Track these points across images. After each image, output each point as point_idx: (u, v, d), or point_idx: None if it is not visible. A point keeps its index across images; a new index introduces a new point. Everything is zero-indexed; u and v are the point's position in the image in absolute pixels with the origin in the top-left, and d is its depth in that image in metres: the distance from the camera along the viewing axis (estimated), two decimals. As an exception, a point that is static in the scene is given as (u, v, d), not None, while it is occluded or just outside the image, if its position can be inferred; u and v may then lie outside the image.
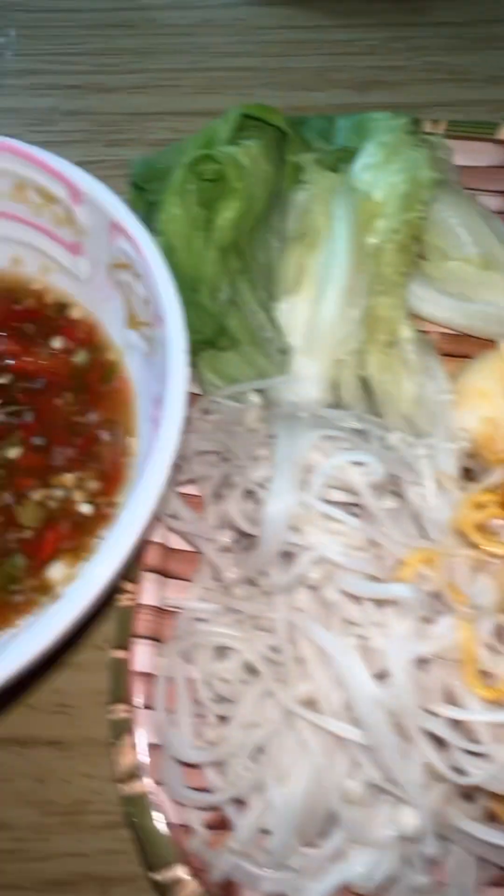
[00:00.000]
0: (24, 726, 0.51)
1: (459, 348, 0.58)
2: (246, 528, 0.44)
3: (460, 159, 0.63)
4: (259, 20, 0.85)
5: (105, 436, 0.51)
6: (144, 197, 0.54)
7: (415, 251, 0.55)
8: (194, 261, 0.49)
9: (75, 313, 0.56)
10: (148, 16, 0.85)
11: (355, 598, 0.42)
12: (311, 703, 0.43)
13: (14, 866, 0.48)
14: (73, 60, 0.82)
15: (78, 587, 0.38)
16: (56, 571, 0.47)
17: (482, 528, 0.44)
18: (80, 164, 0.52)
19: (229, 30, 0.84)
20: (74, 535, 0.48)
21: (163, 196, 0.49)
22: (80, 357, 0.54)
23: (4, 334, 0.54)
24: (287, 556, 0.44)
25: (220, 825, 0.43)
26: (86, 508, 0.49)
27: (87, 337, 0.55)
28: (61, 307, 0.56)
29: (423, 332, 0.57)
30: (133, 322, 0.51)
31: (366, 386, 0.53)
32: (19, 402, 0.52)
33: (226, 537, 0.46)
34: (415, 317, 0.58)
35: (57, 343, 0.54)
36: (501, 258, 0.58)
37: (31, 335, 0.55)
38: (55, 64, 0.82)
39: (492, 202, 0.63)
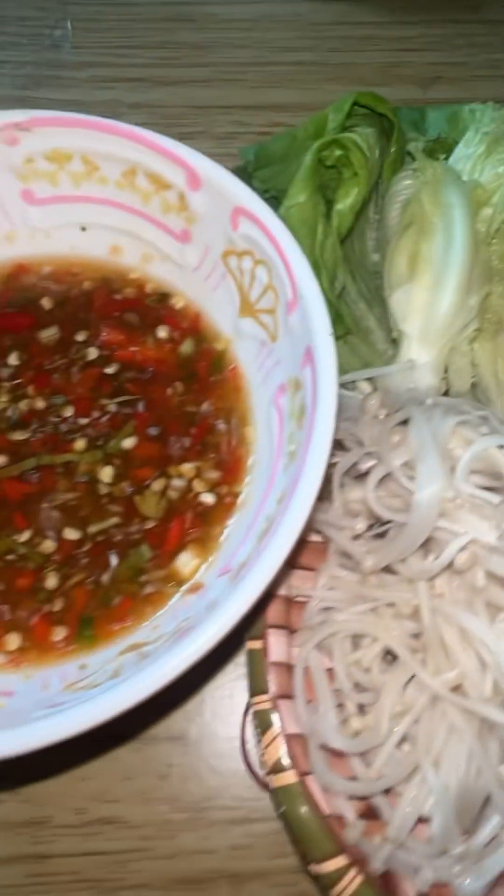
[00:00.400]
0: (143, 723, 0.50)
1: None
2: (385, 514, 0.44)
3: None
4: (317, 16, 0.85)
5: (220, 425, 0.51)
6: (251, 184, 0.53)
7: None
8: (314, 247, 0.48)
9: (177, 303, 0.55)
10: (207, 10, 0.85)
11: (502, 583, 0.42)
12: (456, 689, 0.42)
13: (141, 865, 0.47)
14: (133, 53, 0.81)
15: (234, 596, 0.36)
16: (184, 561, 0.46)
17: None
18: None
19: (289, 25, 0.84)
20: (199, 524, 0.47)
21: (288, 183, 0.48)
22: (186, 347, 0.53)
23: (107, 325, 0.54)
24: (427, 541, 0.44)
25: (369, 815, 0.42)
26: (208, 498, 0.48)
27: (191, 326, 0.54)
28: (162, 297, 0.55)
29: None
30: (247, 310, 0.50)
31: (477, 374, 0.53)
32: (129, 392, 0.51)
33: (360, 524, 0.46)
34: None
35: (162, 333, 0.53)
36: None
37: (134, 325, 0.54)
38: (114, 57, 0.81)
39: None
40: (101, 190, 0.53)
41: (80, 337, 0.53)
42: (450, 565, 0.42)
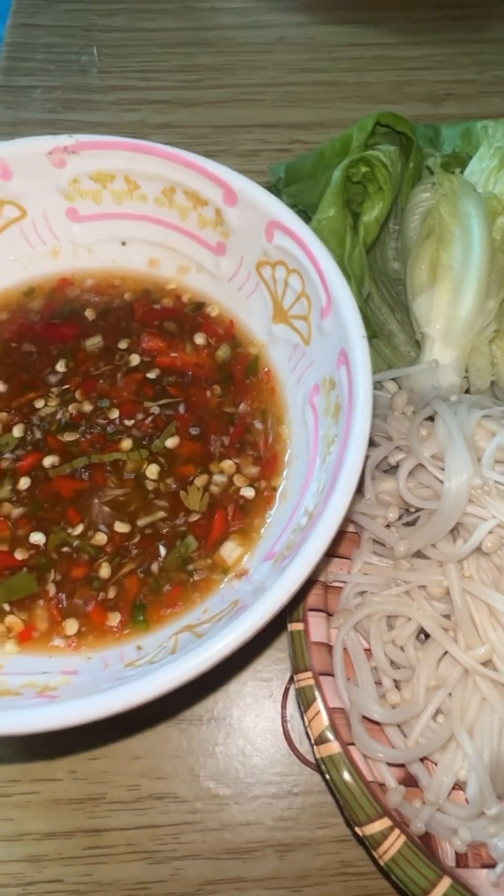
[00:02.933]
0: (189, 706, 0.53)
1: None
2: (417, 503, 0.47)
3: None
4: (329, 38, 0.89)
5: (257, 424, 0.54)
6: (282, 200, 0.57)
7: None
8: (343, 258, 0.52)
9: (213, 311, 0.58)
10: (224, 35, 0.89)
11: (528, 563, 0.45)
12: (487, 664, 0.46)
13: (191, 836, 0.50)
14: (157, 77, 0.86)
15: (281, 579, 0.40)
16: (228, 551, 0.49)
17: None
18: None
19: (303, 47, 0.88)
20: (240, 517, 0.51)
21: (316, 198, 0.52)
22: (222, 352, 0.57)
23: (148, 333, 0.57)
24: (456, 527, 0.47)
25: (408, 782, 0.45)
26: (248, 492, 0.51)
27: (227, 332, 0.57)
28: (198, 305, 0.59)
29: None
30: (281, 316, 0.54)
31: (496, 372, 0.56)
32: (171, 396, 0.55)
33: (391, 514, 0.49)
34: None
35: (199, 339, 0.57)
36: None
37: (174, 332, 0.58)
38: (139, 80, 0.86)
39: None
40: (140, 207, 0.56)
41: (123, 345, 0.57)
42: (478, 548, 0.46)
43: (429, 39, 0.89)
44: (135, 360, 0.56)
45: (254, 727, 0.53)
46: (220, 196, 0.53)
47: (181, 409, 0.54)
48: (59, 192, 0.56)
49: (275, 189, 0.58)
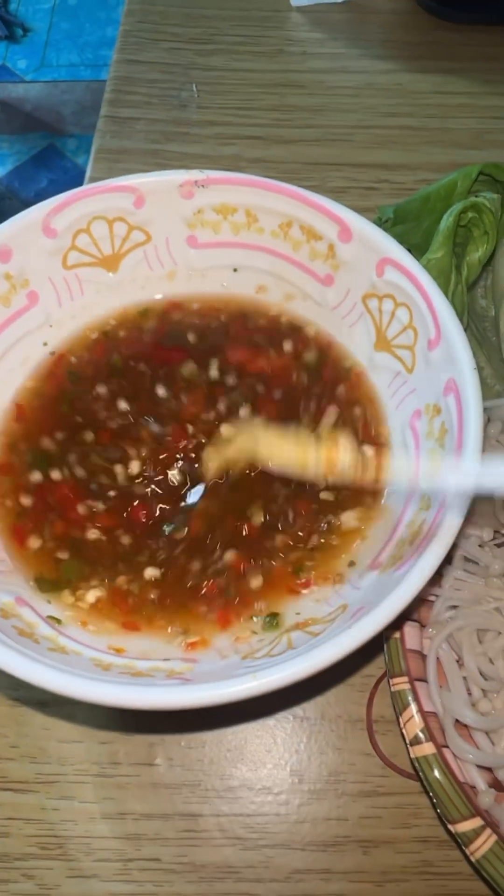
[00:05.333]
0: (277, 705, 0.56)
1: None
2: (512, 524, 0.51)
3: None
4: (416, 85, 0.94)
5: (356, 410, 0.58)
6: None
7: None
8: (448, 295, 0.56)
9: (309, 331, 0.62)
10: (315, 78, 0.95)
11: None
12: None
13: (281, 827, 0.53)
14: (251, 114, 0.91)
15: (399, 587, 0.43)
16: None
17: None
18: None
19: (390, 93, 0.94)
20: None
21: (420, 238, 0.56)
22: (311, 355, 0.60)
23: (234, 346, 0.61)
24: (549, 550, 0.50)
25: (498, 787, 0.48)
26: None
27: (317, 343, 0.61)
28: (296, 327, 0.63)
29: None
30: (383, 345, 0.58)
31: None
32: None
33: (485, 534, 0.52)
34: None
35: (287, 345, 0.61)
36: None
37: (262, 343, 0.61)
38: (234, 117, 0.91)
39: None
40: (256, 238, 0.61)
41: (214, 365, 0.61)
42: None
43: (510, 90, 0.93)
44: (214, 372, 0.60)
45: (340, 729, 0.56)
46: (336, 232, 0.57)
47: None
48: (184, 220, 0.61)
49: (380, 227, 0.62)
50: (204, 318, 0.64)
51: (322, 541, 0.54)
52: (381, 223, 0.63)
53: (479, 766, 0.48)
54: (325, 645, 0.41)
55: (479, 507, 0.53)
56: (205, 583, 0.52)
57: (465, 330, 0.61)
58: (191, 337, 0.62)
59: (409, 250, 0.58)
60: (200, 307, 0.64)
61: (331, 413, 0.57)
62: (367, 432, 0.57)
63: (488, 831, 0.45)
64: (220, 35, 0.99)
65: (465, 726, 0.49)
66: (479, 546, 0.53)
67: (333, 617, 0.47)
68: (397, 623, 0.51)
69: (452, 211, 0.56)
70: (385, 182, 0.85)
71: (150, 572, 0.52)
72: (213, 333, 0.63)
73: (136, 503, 0.54)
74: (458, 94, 0.93)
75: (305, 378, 0.59)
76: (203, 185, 0.58)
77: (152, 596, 0.52)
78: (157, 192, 0.58)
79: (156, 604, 0.51)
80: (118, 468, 0.56)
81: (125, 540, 0.53)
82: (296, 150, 0.88)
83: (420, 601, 0.53)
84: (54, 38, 2.61)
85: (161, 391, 0.59)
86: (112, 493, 0.55)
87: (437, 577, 0.55)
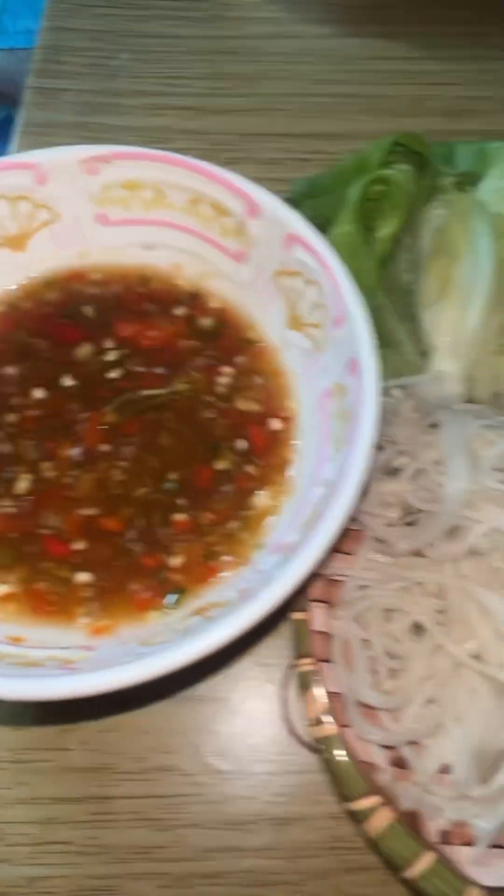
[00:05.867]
0: (190, 686, 0.56)
1: None
2: (418, 504, 0.50)
3: None
4: (353, 51, 0.92)
5: (258, 379, 0.57)
6: (301, 212, 0.60)
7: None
8: (357, 271, 0.55)
9: (214, 304, 0.61)
10: (251, 44, 0.92)
11: (519, 565, 0.48)
12: (477, 657, 0.49)
13: (193, 808, 0.53)
14: (184, 84, 0.89)
15: (288, 570, 0.43)
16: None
17: None
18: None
19: (326, 59, 0.91)
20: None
21: (333, 212, 0.55)
22: (208, 322, 0.59)
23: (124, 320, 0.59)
24: (453, 528, 0.50)
25: (399, 765, 0.49)
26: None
27: (220, 316, 0.60)
28: (200, 301, 0.61)
29: None
30: (296, 323, 0.57)
31: (498, 384, 0.59)
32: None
33: (393, 513, 0.52)
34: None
35: (179, 311, 0.59)
36: None
37: (151, 312, 0.59)
38: (166, 87, 0.88)
39: None
40: (168, 215, 0.60)
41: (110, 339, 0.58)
42: (473, 549, 0.49)
43: (451, 55, 0.91)
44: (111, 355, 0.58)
45: (254, 708, 0.56)
46: (244, 208, 0.56)
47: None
48: (91, 197, 0.59)
49: (294, 202, 0.61)
50: (105, 289, 0.61)
51: (231, 525, 0.53)
52: (295, 197, 0.62)
53: (382, 745, 0.48)
54: (209, 630, 0.40)
55: (386, 486, 0.53)
56: (115, 566, 0.52)
57: (381, 307, 0.60)
58: (89, 310, 0.60)
59: (323, 225, 0.57)
60: (103, 278, 0.62)
61: (226, 374, 0.57)
62: (272, 405, 0.56)
63: (386, 808, 0.45)
64: (155, 0, 0.95)
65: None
66: (388, 526, 0.53)
67: (232, 601, 0.47)
68: (304, 604, 0.51)
69: (359, 183, 0.55)
70: (320, 153, 0.83)
71: (60, 560, 0.52)
72: (110, 306, 0.61)
73: (41, 488, 0.54)
74: (396, 60, 0.91)
75: (203, 346, 0.58)
76: (107, 161, 0.57)
77: (63, 581, 0.51)
78: (58, 168, 0.56)
79: (66, 588, 0.51)
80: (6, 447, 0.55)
81: (32, 526, 0.53)
82: (229, 121, 0.86)
83: (330, 581, 0.53)
84: (11, 5, 2.53)
85: (63, 377, 0.58)
86: (13, 479, 0.54)
87: (350, 558, 0.55)
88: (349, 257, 0.55)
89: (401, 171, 0.56)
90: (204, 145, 0.84)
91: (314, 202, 0.59)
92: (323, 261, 0.52)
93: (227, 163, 0.83)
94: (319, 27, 0.93)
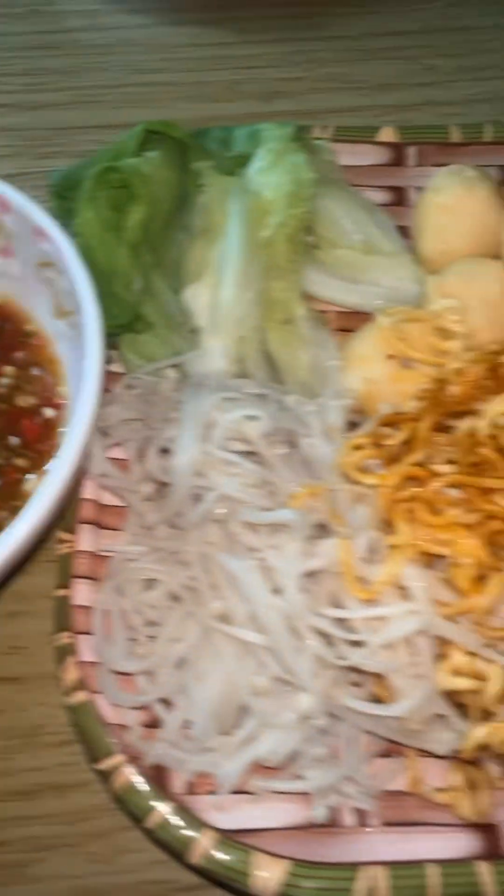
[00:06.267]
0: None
1: (350, 323, 0.67)
2: (162, 478, 0.53)
3: (347, 160, 0.73)
4: (171, 39, 0.93)
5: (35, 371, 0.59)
6: (65, 204, 0.62)
7: (304, 241, 0.64)
8: (108, 257, 0.57)
9: None
10: (70, 37, 0.93)
11: (253, 528, 0.51)
12: (224, 619, 0.51)
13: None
14: (1, 81, 0.90)
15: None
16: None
17: (360, 467, 0.54)
18: (11, 176, 0.60)
19: (145, 48, 0.92)
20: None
21: (77, 203, 0.57)
22: None
23: None
24: (197, 498, 0.53)
25: (152, 724, 0.51)
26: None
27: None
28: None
29: (321, 311, 0.67)
30: (60, 312, 0.59)
31: (269, 358, 0.62)
32: None
33: (148, 488, 0.55)
34: (311, 298, 0.67)
35: None
36: (381, 244, 0.67)
37: None
38: (-17, 85, 0.89)
39: (376, 196, 0.73)
40: None
41: None
42: (212, 516, 0.51)
43: (265, 38, 0.93)
44: None
45: (42, 684, 0.58)
46: (-2, 204, 0.58)
47: None
48: None
49: (58, 194, 0.63)
50: None
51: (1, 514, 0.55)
52: (56, 189, 0.63)
53: (136, 708, 0.51)
54: None
55: (136, 466, 0.55)
56: None
57: (155, 288, 0.62)
58: None
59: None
60: None
61: (7, 374, 0.58)
62: (48, 394, 0.59)
63: (130, 766, 0.48)
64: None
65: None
66: (146, 501, 0.55)
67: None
68: (66, 580, 0.54)
69: (92, 173, 0.57)
70: (133, 142, 0.85)
71: None
72: None
73: None
74: (212, 46, 0.92)
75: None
76: None
77: None
78: None
79: None
80: None
81: None
82: (45, 116, 0.87)
83: (98, 557, 0.55)
84: None
85: None
86: None
87: (118, 534, 0.57)
88: (98, 244, 0.57)
89: (146, 160, 0.58)
90: (17, 142, 0.85)
91: (75, 193, 0.60)
92: (60, 250, 0.54)
93: (42, 157, 0.85)
94: (137, 17, 0.94)
